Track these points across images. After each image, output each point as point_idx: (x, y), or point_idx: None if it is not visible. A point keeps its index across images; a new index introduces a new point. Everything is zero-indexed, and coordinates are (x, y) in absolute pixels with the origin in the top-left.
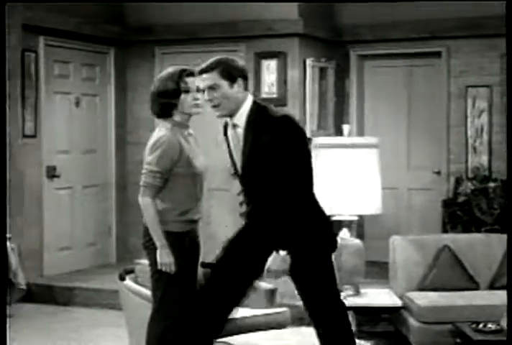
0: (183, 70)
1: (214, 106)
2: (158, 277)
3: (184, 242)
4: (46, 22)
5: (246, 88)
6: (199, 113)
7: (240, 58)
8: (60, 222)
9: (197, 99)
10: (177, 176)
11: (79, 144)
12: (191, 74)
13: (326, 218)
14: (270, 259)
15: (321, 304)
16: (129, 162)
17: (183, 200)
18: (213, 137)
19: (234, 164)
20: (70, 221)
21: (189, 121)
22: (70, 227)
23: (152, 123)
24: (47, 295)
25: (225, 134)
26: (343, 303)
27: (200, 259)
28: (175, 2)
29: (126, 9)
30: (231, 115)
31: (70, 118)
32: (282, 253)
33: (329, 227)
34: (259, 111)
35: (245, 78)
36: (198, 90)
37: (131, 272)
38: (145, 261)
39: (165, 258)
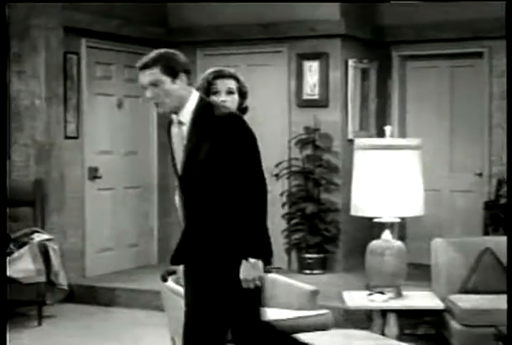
0: (214, 72)
1: (157, 104)
2: None
3: None
4: (87, 24)
5: (189, 83)
6: None
7: (282, 59)
8: (101, 223)
9: (223, 101)
10: None
11: (121, 146)
12: (221, 76)
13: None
14: (241, 268)
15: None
16: (171, 164)
17: None
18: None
19: (174, 163)
20: (111, 222)
21: None
22: (112, 228)
23: None
24: (88, 295)
25: (168, 131)
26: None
27: None
28: (218, 2)
29: (169, 11)
30: (176, 112)
31: (112, 119)
32: (252, 260)
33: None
34: (205, 108)
35: (188, 73)
36: (228, 92)
37: (173, 273)
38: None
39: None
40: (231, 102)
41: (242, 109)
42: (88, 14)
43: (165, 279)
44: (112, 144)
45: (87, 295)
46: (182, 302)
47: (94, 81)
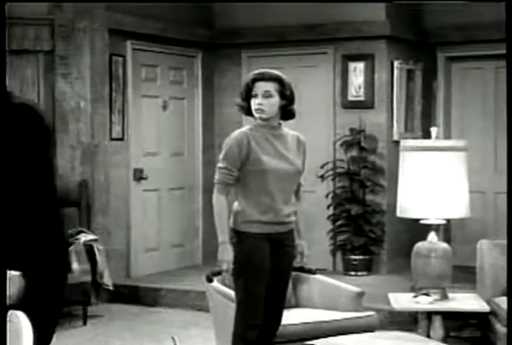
0: (254, 74)
1: None
2: (235, 278)
3: (257, 243)
4: (133, 27)
5: None
6: (261, 118)
7: (327, 60)
8: (146, 224)
9: (259, 104)
10: (247, 174)
11: (166, 147)
12: (260, 79)
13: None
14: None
15: None
16: (216, 165)
17: (259, 200)
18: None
19: None
20: (156, 223)
21: (269, 123)
22: (157, 229)
23: (240, 126)
24: (133, 295)
25: None
26: None
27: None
28: (263, 2)
29: (214, 12)
30: None
31: (157, 121)
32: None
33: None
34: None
35: None
36: (266, 95)
37: (219, 273)
38: None
39: (223, 255)
40: (269, 105)
41: (286, 113)
42: (133, 16)
43: (210, 280)
44: (157, 145)
45: (132, 295)
46: (226, 303)
47: (139, 83)
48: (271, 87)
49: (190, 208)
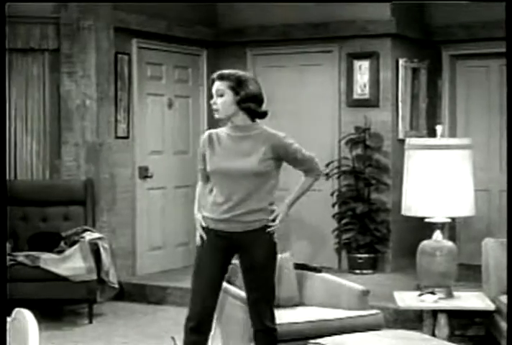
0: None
1: None
2: None
3: (208, 238)
4: (138, 25)
5: None
6: (217, 117)
7: (332, 59)
8: (152, 222)
9: (213, 103)
10: (208, 172)
11: (171, 145)
12: (215, 78)
13: None
14: None
15: None
16: None
17: (214, 198)
18: (301, 137)
19: None
20: (161, 221)
21: (234, 122)
22: (162, 227)
23: None
24: (139, 293)
25: None
26: None
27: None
28: (267, 2)
29: (219, 11)
30: None
31: (162, 119)
32: None
33: None
34: None
35: None
36: (216, 95)
37: None
38: (237, 261)
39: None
40: (221, 104)
41: (247, 111)
42: (138, 14)
43: None
44: (162, 143)
45: (137, 293)
46: (232, 301)
47: (145, 81)
48: (223, 85)
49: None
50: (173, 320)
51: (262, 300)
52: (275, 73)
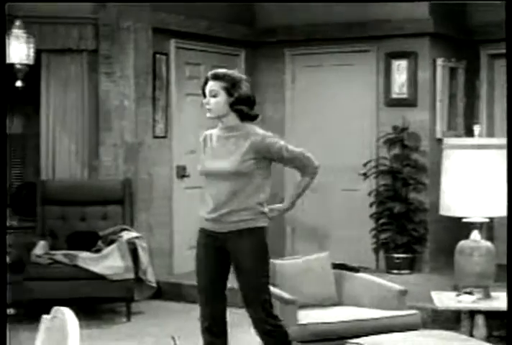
0: (208, 74)
1: None
2: None
3: (202, 238)
4: (176, 25)
5: None
6: (209, 116)
7: (370, 58)
8: (188, 221)
9: (206, 103)
10: (199, 172)
11: None
12: (210, 78)
13: None
14: None
15: None
16: None
17: (204, 198)
18: (339, 137)
19: None
20: (198, 220)
21: (225, 123)
22: (199, 226)
23: (283, 124)
24: (176, 292)
25: None
26: None
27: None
28: (305, 2)
29: (256, 10)
30: None
31: (199, 119)
32: None
33: None
34: None
35: None
36: (211, 95)
37: None
38: (277, 261)
39: None
40: (214, 104)
41: (239, 112)
42: (177, 14)
43: None
44: (199, 143)
45: (174, 292)
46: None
47: (183, 81)
48: (217, 86)
49: None
50: None
51: (254, 301)
52: (313, 73)
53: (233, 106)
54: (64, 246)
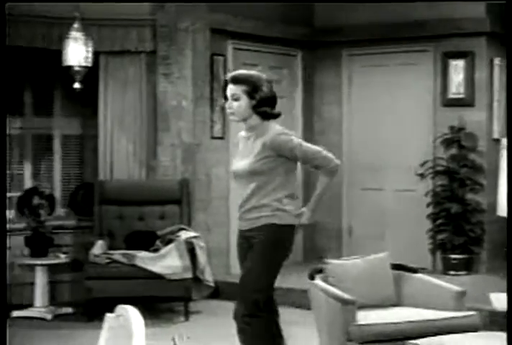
0: (228, 77)
1: None
2: None
3: (236, 238)
4: (234, 26)
5: None
6: (233, 120)
7: (428, 58)
8: None
9: (228, 107)
10: None
11: None
12: (229, 81)
13: None
14: None
15: None
16: None
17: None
18: (396, 137)
19: None
20: None
21: (247, 124)
22: None
23: (340, 125)
24: (234, 292)
25: None
26: None
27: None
28: (363, 3)
29: (314, 11)
30: None
31: None
32: None
33: None
34: None
35: None
36: (233, 98)
37: (321, 271)
38: (335, 261)
39: None
40: (236, 108)
41: (262, 113)
42: (234, 15)
43: (312, 278)
44: None
45: (232, 292)
46: (329, 300)
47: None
48: (238, 89)
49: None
50: None
51: (245, 298)
52: (370, 73)
53: (256, 109)
54: (122, 246)
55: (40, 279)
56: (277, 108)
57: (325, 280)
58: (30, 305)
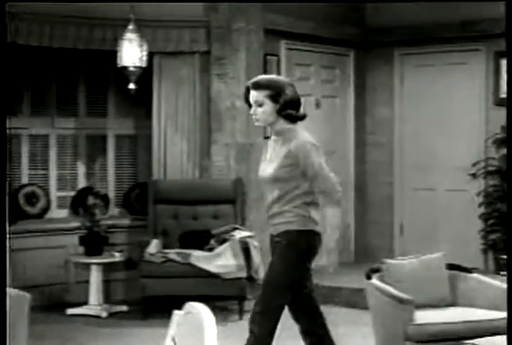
0: (249, 83)
1: None
2: None
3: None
4: (287, 26)
5: None
6: (258, 125)
7: (480, 57)
8: None
9: (253, 113)
10: None
11: (319, 145)
12: (252, 88)
13: None
14: None
15: None
16: (368, 163)
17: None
18: (447, 137)
19: None
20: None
21: (274, 128)
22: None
23: (392, 125)
24: None
25: None
26: None
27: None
28: (414, 2)
29: (366, 11)
30: None
31: (310, 119)
32: None
33: None
34: None
35: None
36: (257, 104)
37: (377, 270)
38: (392, 261)
39: None
40: (260, 113)
41: (288, 116)
42: (287, 16)
43: (369, 277)
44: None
45: None
46: (386, 300)
47: (293, 82)
48: (261, 95)
49: (343, 205)
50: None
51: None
52: (422, 73)
53: (280, 112)
54: (176, 245)
55: (95, 277)
56: (330, 108)
57: (382, 280)
58: (85, 303)
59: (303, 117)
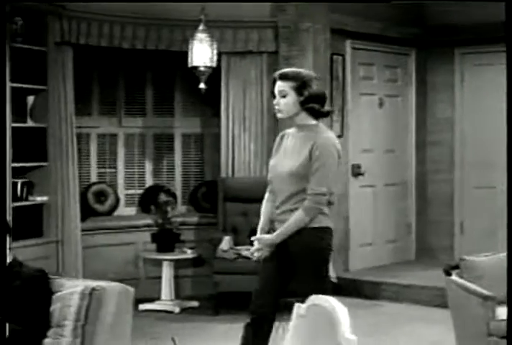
0: (275, 74)
1: None
2: None
3: None
4: (353, 26)
5: None
6: (279, 117)
7: None
8: (363, 218)
9: (276, 104)
10: None
11: (381, 144)
12: (278, 78)
13: None
14: None
15: None
16: (428, 162)
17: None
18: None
19: None
20: (372, 218)
21: (295, 121)
22: (373, 224)
23: (453, 123)
24: (352, 288)
25: None
26: None
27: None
28: (476, 1)
29: (427, 10)
30: None
31: (373, 118)
32: None
33: None
34: None
35: None
36: (281, 95)
37: (456, 267)
38: (471, 258)
39: None
40: (283, 104)
41: (310, 110)
42: (353, 16)
43: (448, 274)
44: (373, 142)
45: (351, 288)
46: (468, 296)
47: (357, 81)
48: (286, 86)
49: (404, 204)
50: (388, 315)
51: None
52: (483, 72)
53: (303, 105)
54: (246, 242)
55: (167, 273)
56: (393, 107)
57: (461, 276)
58: (157, 298)
59: (327, 113)
